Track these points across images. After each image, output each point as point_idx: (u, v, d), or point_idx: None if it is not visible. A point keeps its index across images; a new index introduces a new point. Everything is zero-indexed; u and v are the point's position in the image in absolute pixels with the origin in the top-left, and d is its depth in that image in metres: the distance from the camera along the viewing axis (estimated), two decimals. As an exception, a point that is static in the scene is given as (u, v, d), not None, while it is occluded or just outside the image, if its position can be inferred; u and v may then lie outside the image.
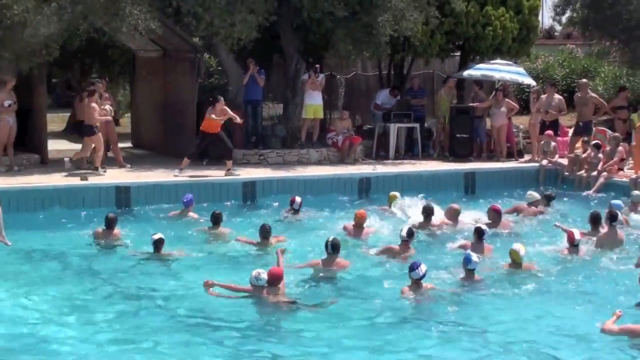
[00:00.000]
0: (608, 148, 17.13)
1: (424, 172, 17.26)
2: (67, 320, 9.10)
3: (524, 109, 22.69)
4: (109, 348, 8.29)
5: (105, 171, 16.03)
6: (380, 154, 19.23)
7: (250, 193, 15.66)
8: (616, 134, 17.64)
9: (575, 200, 15.87)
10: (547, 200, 14.64)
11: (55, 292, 10.09)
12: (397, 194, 14.38)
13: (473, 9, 19.72)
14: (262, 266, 9.89)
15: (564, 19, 26.59)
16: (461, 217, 13.29)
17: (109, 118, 17.12)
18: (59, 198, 14.39)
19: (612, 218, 11.98)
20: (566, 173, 17.43)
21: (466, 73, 20.17)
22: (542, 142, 18.06)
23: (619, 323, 8.42)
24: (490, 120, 19.30)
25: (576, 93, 19.55)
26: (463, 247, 11.46)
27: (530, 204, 14.19)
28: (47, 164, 17.04)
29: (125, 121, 24.45)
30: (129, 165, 16.96)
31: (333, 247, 10.60)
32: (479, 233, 11.38)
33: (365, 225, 12.61)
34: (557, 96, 19.04)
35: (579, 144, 18.24)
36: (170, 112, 18.57)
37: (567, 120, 21.56)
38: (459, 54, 21.61)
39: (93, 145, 16.16)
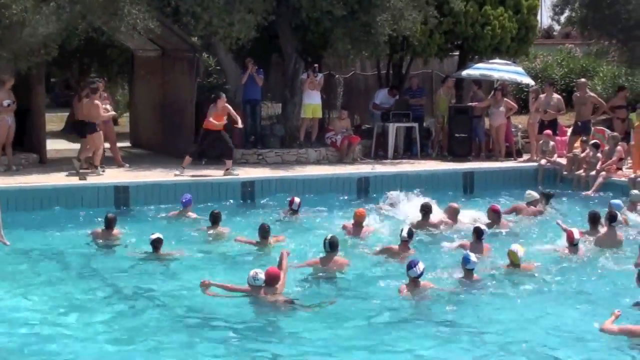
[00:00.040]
0: (607, 147, 17.13)
1: (423, 171, 17.27)
2: (66, 320, 9.09)
3: (523, 108, 22.70)
4: (108, 348, 8.28)
5: (104, 171, 16.03)
6: (379, 153, 19.24)
7: (249, 193, 15.66)
8: (615, 134, 17.63)
9: (574, 200, 15.87)
10: (546, 198, 14.62)
11: (53, 291, 10.09)
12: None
13: (472, 8, 19.72)
14: (261, 266, 9.88)
15: (562, 18, 26.61)
16: (460, 216, 13.30)
17: (113, 113, 17.24)
18: (57, 198, 14.40)
19: (612, 219, 11.98)
20: (565, 172, 17.43)
21: (465, 73, 20.17)
22: (541, 142, 18.06)
23: (617, 323, 8.42)
24: (489, 120, 19.31)
25: (575, 92, 19.55)
26: (462, 247, 11.47)
27: (529, 204, 14.18)
28: (45, 163, 17.04)
29: (124, 121, 24.45)
30: (127, 165, 16.96)
31: (331, 245, 10.60)
32: (477, 233, 11.38)
33: (364, 223, 12.60)
34: (555, 96, 19.04)
35: (577, 144, 18.25)
36: (169, 111, 18.57)
37: (566, 120, 21.57)
38: (457, 53, 21.61)
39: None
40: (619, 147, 16.86)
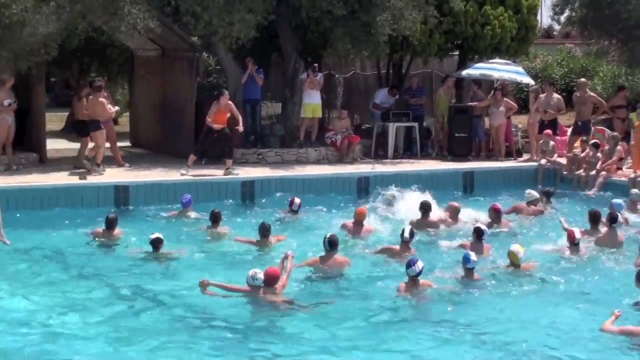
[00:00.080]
0: (607, 147, 17.12)
1: (423, 171, 17.26)
2: (66, 320, 9.08)
3: (523, 108, 22.71)
4: (108, 347, 8.28)
5: (104, 170, 16.03)
6: (378, 153, 19.25)
7: (249, 192, 15.65)
8: (615, 133, 17.63)
9: (575, 199, 15.87)
10: (547, 197, 14.63)
11: (53, 291, 10.08)
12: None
13: (472, 8, 19.73)
14: (261, 265, 9.88)
15: (562, 18, 26.64)
16: (461, 216, 13.29)
17: (117, 108, 17.33)
18: (57, 197, 14.39)
19: (612, 220, 11.97)
20: (565, 172, 17.42)
21: (465, 72, 20.17)
22: (541, 142, 18.05)
23: (617, 323, 8.42)
24: (489, 120, 19.31)
25: (575, 92, 19.56)
26: (462, 246, 11.46)
27: (529, 203, 14.18)
28: (45, 163, 17.05)
29: (124, 120, 24.45)
30: (127, 165, 16.96)
31: (330, 244, 10.60)
32: (478, 233, 11.37)
33: (364, 222, 12.59)
34: (555, 95, 19.05)
35: (577, 143, 18.25)
36: (169, 111, 18.57)
37: (566, 120, 21.58)
38: (457, 53, 21.61)
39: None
40: (619, 147, 16.86)
